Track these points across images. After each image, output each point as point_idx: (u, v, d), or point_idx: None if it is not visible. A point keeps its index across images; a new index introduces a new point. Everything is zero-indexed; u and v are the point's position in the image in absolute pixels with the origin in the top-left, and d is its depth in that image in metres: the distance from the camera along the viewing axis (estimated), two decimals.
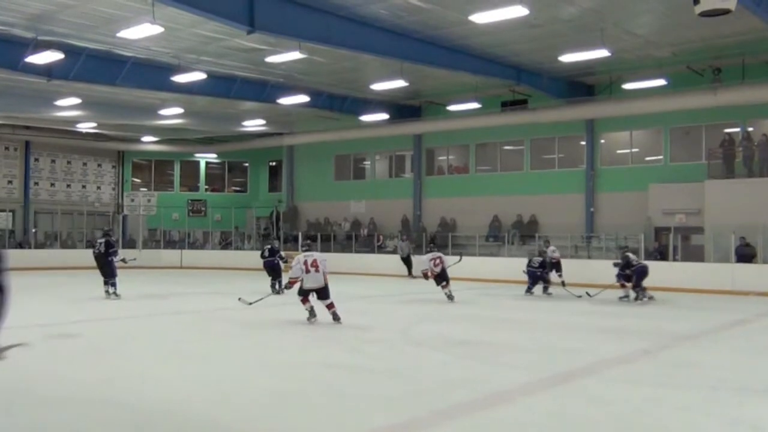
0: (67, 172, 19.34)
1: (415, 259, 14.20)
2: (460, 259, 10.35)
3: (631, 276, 9.17)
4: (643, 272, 9.20)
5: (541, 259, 10.17)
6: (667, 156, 13.59)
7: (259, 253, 10.84)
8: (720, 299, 9.98)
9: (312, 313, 6.70)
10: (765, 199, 11.14)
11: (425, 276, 9.35)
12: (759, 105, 11.76)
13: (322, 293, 6.65)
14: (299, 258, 6.67)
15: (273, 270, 10.03)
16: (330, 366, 4.53)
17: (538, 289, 10.19)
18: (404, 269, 14.34)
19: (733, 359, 5.12)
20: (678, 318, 7.89)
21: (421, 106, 16.38)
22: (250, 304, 7.80)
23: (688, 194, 12.35)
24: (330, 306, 6.64)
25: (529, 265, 10.21)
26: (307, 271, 6.52)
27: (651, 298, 9.20)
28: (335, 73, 13.11)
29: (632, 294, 9.26)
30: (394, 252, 15.39)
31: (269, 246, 10.42)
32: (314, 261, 6.60)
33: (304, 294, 6.65)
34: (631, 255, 9.46)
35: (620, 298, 9.33)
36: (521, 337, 6.11)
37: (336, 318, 6.60)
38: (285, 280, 8.20)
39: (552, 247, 11.10)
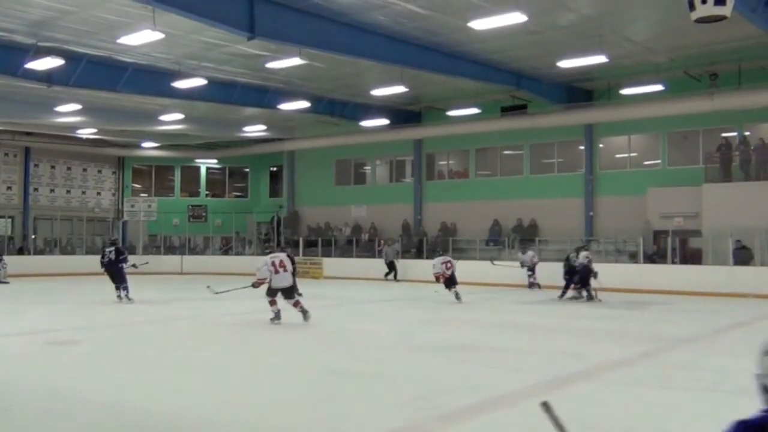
0: (66, 177, 19.26)
1: (399, 264, 14.47)
2: (457, 261, 10.66)
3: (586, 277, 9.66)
4: (587, 272, 9.63)
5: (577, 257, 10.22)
6: (665, 160, 13.66)
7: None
8: (718, 302, 10.02)
9: (278, 315, 6.84)
10: (762, 203, 11.22)
11: (437, 279, 9.51)
12: (755, 110, 11.87)
13: (288, 292, 6.84)
14: (266, 259, 6.89)
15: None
16: (330, 371, 4.54)
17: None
18: (398, 274, 14.41)
19: (731, 361, 5.14)
20: (677, 321, 7.95)
21: (421, 112, 16.45)
22: (217, 293, 7.90)
23: (686, 198, 12.42)
24: (296, 304, 6.81)
25: (567, 264, 10.24)
26: (276, 272, 6.74)
27: (580, 298, 9.75)
28: (336, 78, 13.17)
29: (584, 294, 9.70)
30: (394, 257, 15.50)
31: (285, 254, 10.99)
32: (281, 261, 6.83)
33: (273, 294, 6.83)
34: (572, 255, 9.94)
35: (570, 298, 9.76)
36: (521, 340, 6.13)
37: (305, 313, 6.75)
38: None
39: (531, 252, 11.72)
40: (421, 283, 12.52)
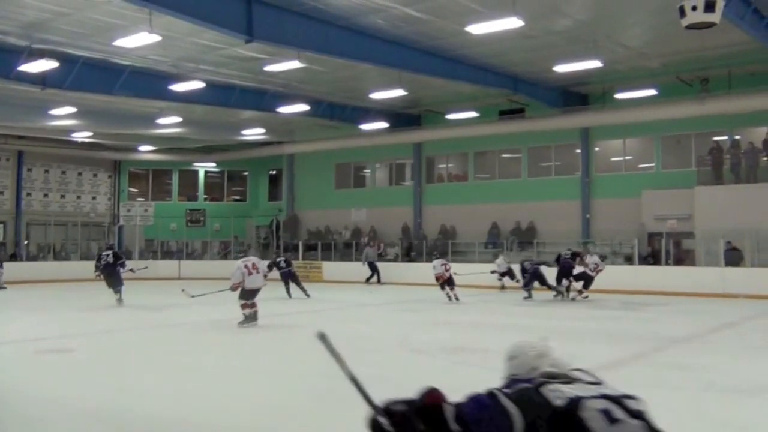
0: (61, 182, 19.00)
1: (381, 266, 14.53)
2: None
3: (547, 279, 10.37)
4: (534, 274, 10.39)
5: (571, 251, 10.73)
6: (658, 163, 13.84)
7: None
8: (711, 302, 10.15)
9: (248, 318, 7.05)
10: (752, 205, 11.41)
11: (437, 280, 10.07)
12: (745, 114, 12.04)
13: (256, 294, 7.13)
14: (239, 263, 7.16)
15: (293, 277, 11.21)
16: (328, 375, 4.50)
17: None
18: (381, 276, 14.40)
19: (724, 361, 5.23)
20: (671, 321, 8.03)
21: (420, 115, 16.52)
22: (193, 297, 8.06)
23: (679, 200, 12.60)
24: (252, 305, 7.10)
25: (559, 260, 10.71)
26: (250, 274, 7.01)
27: (528, 296, 10.42)
28: (335, 82, 13.20)
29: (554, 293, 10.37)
30: (395, 260, 15.46)
31: (284, 258, 11.62)
32: (254, 264, 7.12)
33: (247, 297, 7.05)
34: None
35: (525, 298, 10.42)
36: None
37: (252, 318, 7.04)
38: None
39: (499, 259, 12.23)
40: (419, 286, 12.55)
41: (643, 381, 4.35)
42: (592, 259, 10.21)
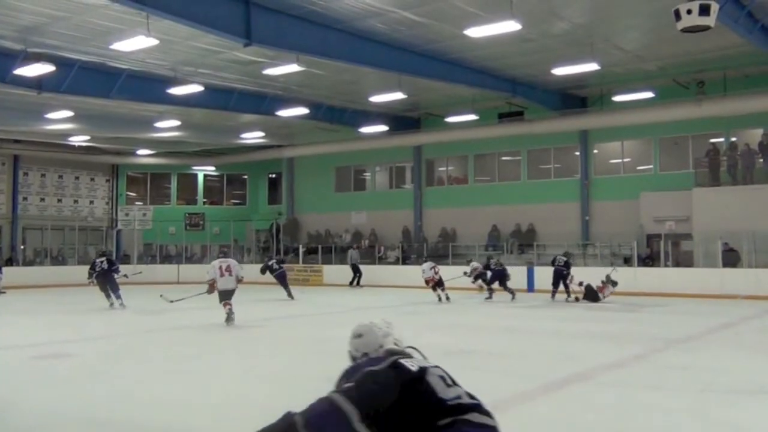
0: (58, 186, 18.91)
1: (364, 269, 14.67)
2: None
3: (507, 282, 10.92)
4: (497, 274, 10.86)
5: (565, 258, 10.93)
6: (656, 165, 13.92)
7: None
8: (709, 303, 10.19)
9: (229, 315, 7.31)
10: (749, 206, 11.48)
11: (427, 282, 10.43)
12: (741, 116, 12.14)
13: (229, 295, 7.36)
14: (214, 264, 7.45)
15: (284, 278, 11.52)
16: (329, 379, 4.51)
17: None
18: (362, 278, 14.55)
19: (722, 362, 5.25)
20: (669, 322, 8.06)
21: (420, 118, 16.58)
22: (172, 302, 8.19)
23: (676, 202, 12.67)
24: (226, 304, 7.32)
25: (554, 264, 10.96)
26: (222, 275, 7.26)
27: (488, 297, 10.86)
28: (334, 85, 13.24)
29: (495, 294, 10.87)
30: (395, 263, 15.49)
31: (275, 260, 11.90)
32: (228, 266, 7.36)
33: (224, 298, 7.32)
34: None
35: (486, 298, 10.79)
36: (518, 344, 6.19)
37: (229, 315, 7.26)
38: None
39: (474, 263, 12.32)
40: (419, 289, 12.55)
41: (642, 381, 4.37)
42: (608, 290, 10.37)
